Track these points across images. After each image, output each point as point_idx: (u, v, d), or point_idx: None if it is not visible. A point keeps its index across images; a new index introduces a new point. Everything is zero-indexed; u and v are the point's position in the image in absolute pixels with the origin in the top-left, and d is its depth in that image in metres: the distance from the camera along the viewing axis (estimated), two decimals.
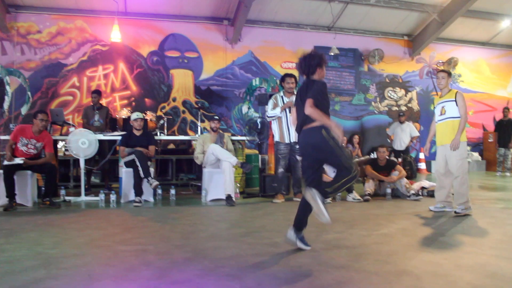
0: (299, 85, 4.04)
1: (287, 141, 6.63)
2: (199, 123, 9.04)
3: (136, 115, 6.84)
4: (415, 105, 13.79)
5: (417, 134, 11.01)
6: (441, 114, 5.56)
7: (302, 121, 3.61)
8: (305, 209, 3.58)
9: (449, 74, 5.62)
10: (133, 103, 10.94)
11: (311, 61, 3.72)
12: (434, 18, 12.48)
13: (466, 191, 5.27)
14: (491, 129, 13.90)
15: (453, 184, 5.46)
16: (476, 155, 13.78)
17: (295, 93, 6.58)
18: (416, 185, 7.17)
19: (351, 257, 3.28)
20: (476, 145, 14.27)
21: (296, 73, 11.87)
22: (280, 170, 6.70)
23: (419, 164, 13.12)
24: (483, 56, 14.81)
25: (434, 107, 5.78)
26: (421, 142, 13.13)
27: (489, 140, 12.68)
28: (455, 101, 5.41)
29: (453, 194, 5.63)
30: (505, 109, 12.13)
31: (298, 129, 3.70)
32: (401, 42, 13.75)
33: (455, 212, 5.28)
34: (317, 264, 3.10)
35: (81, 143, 6.54)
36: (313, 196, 3.35)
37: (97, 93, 8.02)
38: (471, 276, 2.82)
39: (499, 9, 12.67)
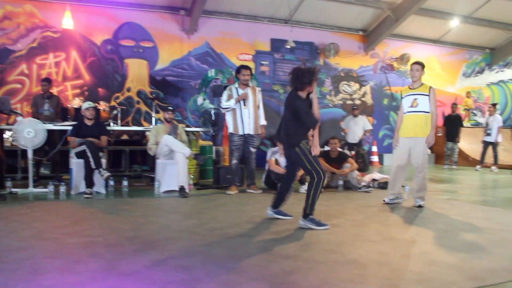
0: (287, 93, 4.58)
1: (240, 132, 6.65)
2: (153, 114, 8.93)
3: (87, 104, 6.68)
4: (368, 99, 14.12)
5: (370, 127, 11.27)
6: (412, 106, 5.46)
7: (286, 129, 4.35)
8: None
9: (423, 66, 5.57)
10: (86, 93, 10.65)
11: (303, 79, 4.24)
12: (388, 15, 12.80)
13: (426, 185, 5.44)
14: (440, 123, 14.43)
15: (415, 177, 5.50)
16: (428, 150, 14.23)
17: (250, 85, 6.65)
18: (367, 177, 7.36)
19: (300, 247, 3.36)
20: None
21: (252, 64, 11.98)
22: (234, 161, 6.73)
23: (372, 157, 13.45)
24: (434, 53, 15.33)
25: (402, 98, 5.67)
26: (374, 135, 13.48)
27: (438, 135, 13.12)
28: (429, 96, 5.39)
29: (403, 186, 5.81)
30: (454, 105, 12.62)
31: (279, 133, 4.49)
32: (356, 37, 14.01)
33: (419, 205, 5.34)
34: (266, 254, 3.15)
35: (26, 133, 6.33)
36: (304, 226, 4.08)
37: (47, 81, 7.78)
38: (414, 264, 2.94)
39: (449, 8, 13.15)
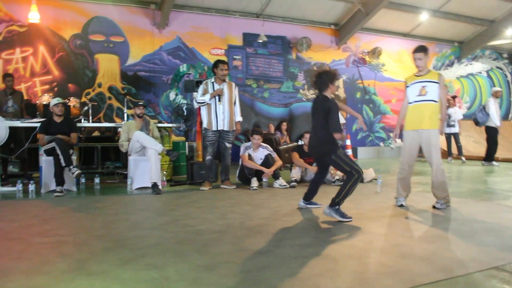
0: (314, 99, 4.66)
1: (214, 128, 6.60)
2: (125, 110, 8.78)
3: (56, 100, 6.54)
4: (341, 93, 14.21)
5: (343, 121, 11.36)
6: (420, 95, 4.86)
7: (322, 136, 4.42)
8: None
9: (426, 52, 4.90)
10: (56, 89, 10.40)
11: (325, 78, 4.45)
12: (359, 9, 12.88)
13: (447, 182, 4.86)
14: None
15: (433, 175, 4.86)
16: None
17: (227, 81, 6.60)
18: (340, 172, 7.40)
19: (273, 243, 3.35)
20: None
21: (224, 59, 11.90)
22: (208, 157, 6.68)
23: (346, 150, 13.56)
24: (404, 46, 15.49)
25: (407, 86, 5.05)
26: (347, 129, 13.59)
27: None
28: (439, 83, 4.82)
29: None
30: None
31: (313, 134, 4.60)
32: (328, 31, 14.08)
33: (435, 207, 4.81)
34: (238, 251, 3.13)
35: None
36: (328, 214, 4.21)
37: (12, 76, 7.56)
38: (384, 257, 2.97)
39: (419, 2, 13.34)
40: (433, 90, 4.82)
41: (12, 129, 6.41)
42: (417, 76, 5.00)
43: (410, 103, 4.99)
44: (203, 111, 6.70)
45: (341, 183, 6.86)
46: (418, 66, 4.97)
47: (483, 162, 10.54)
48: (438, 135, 4.87)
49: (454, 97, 12.50)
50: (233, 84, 6.89)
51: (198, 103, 6.71)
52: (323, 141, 4.40)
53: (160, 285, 2.45)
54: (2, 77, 7.70)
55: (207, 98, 6.56)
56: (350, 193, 4.26)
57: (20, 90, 8.37)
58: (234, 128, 6.78)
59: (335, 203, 4.21)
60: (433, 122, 4.83)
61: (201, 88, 6.71)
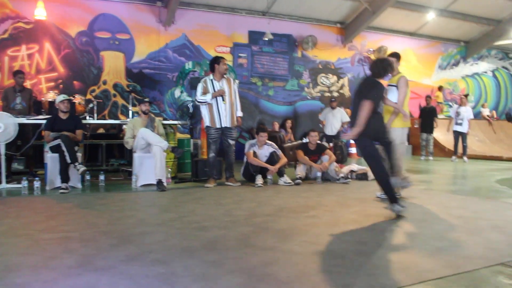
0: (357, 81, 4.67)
1: (218, 125, 6.59)
2: (130, 107, 8.79)
3: (62, 97, 6.55)
4: (346, 91, 14.20)
5: (348, 119, 11.32)
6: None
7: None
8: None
9: (398, 58, 5.33)
10: (61, 86, 10.43)
11: (389, 69, 4.54)
12: (365, 8, 12.86)
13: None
14: (417, 115, 14.60)
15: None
16: (405, 141, 14.38)
17: (225, 76, 6.59)
18: (346, 169, 7.40)
19: (279, 239, 3.35)
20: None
21: (229, 57, 11.90)
22: (211, 154, 6.68)
23: (350, 149, 13.54)
24: (410, 46, 15.49)
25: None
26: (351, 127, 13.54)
27: (415, 126, 13.30)
28: (396, 86, 5.16)
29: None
30: (428, 97, 12.80)
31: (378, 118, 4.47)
32: (334, 30, 14.06)
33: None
34: (244, 247, 3.13)
35: None
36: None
37: (23, 73, 7.58)
38: (391, 253, 2.98)
39: (425, 2, 13.31)
40: (391, 93, 5.15)
41: (20, 126, 6.42)
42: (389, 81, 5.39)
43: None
44: (204, 110, 6.68)
45: (346, 180, 6.91)
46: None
47: None
48: (397, 133, 5.12)
49: (466, 96, 12.43)
50: (231, 79, 6.88)
51: (198, 102, 6.68)
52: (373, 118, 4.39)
53: (168, 280, 2.45)
54: (13, 74, 7.70)
55: (208, 98, 6.54)
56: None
57: (29, 87, 8.36)
58: (236, 124, 6.77)
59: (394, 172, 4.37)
60: (394, 122, 5.19)
61: (200, 86, 6.67)
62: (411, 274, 2.54)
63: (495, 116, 16.25)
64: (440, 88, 15.75)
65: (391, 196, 4.22)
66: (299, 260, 2.83)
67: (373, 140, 4.44)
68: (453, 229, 3.70)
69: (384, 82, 5.18)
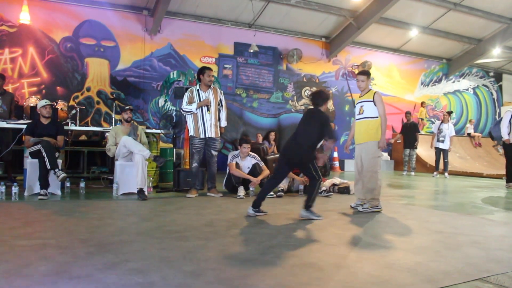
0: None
1: (202, 136, 6.58)
2: (113, 115, 8.74)
3: (44, 101, 6.48)
4: (330, 105, 14.29)
5: None
6: (359, 113, 5.57)
7: (311, 143, 4.84)
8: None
9: (368, 75, 5.63)
10: (44, 91, 10.33)
11: (324, 96, 5.05)
12: (350, 23, 13.04)
13: (373, 188, 5.33)
14: (399, 130, 14.78)
15: (364, 181, 5.45)
16: (385, 155, 14.56)
17: (212, 86, 6.60)
18: (328, 182, 7.41)
19: (258, 251, 3.32)
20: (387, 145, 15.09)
21: (215, 68, 11.92)
22: (194, 164, 6.65)
23: (333, 162, 13.61)
24: (394, 61, 15.71)
25: (354, 106, 5.81)
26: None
27: (398, 141, 13.45)
28: (373, 101, 5.43)
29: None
30: (407, 113, 12.99)
31: (294, 141, 4.90)
32: (319, 44, 14.20)
33: (356, 208, 5.46)
34: (224, 258, 3.10)
35: None
36: (305, 216, 4.75)
37: (1, 77, 7.47)
38: (371, 267, 2.96)
39: (409, 19, 13.55)
40: (368, 108, 5.47)
41: (1, 130, 6.32)
42: (360, 97, 5.71)
43: (356, 120, 5.70)
44: (189, 119, 6.67)
45: (328, 193, 6.93)
46: (360, 87, 5.65)
47: (506, 184, 9.05)
48: (374, 146, 5.40)
49: (449, 113, 12.60)
50: (218, 90, 6.89)
51: (184, 111, 6.68)
52: (310, 148, 4.84)
53: None
54: None
55: (193, 107, 6.53)
56: (317, 195, 4.84)
57: (11, 92, 8.24)
58: (219, 135, 6.77)
59: (309, 206, 4.75)
60: (369, 136, 5.42)
61: (186, 96, 6.68)
62: None
63: (479, 139, 16.23)
64: (423, 104, 15.95)
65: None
66: (278, 272, 2.82)
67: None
68: (432, 244, 3.72)
69: (355, 95, 5.59)
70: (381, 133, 5.41)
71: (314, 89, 5.51)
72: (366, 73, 5.70)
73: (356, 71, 14.59)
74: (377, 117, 5.41)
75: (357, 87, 5.70)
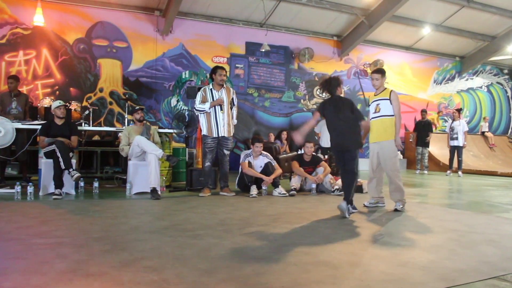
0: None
1: (214, 135, 6.61)
2: (126, 115, 8.79)
3: (58, 102, 6.56)
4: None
5: None
6: (375, 112, 5.55)
7: (355, 130, 4.98)
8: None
9: (383, 73, 5.62)
10: (57, 92, 10.43)
11: (334, 82, 5.04)
12: (362, 21, 12.97)
13: (401, 187, 5.36)
14: (412, 129, 14.67)
15: (389, 181, 5.45)
16: (398, 153, 14.43)
17: (225, 86, 6.62)
18: (340, 181, 7.37)
19: (272, 249, 3.32)
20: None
21: (226, 67, 11.94)
22: (207, 164, 6.67)
23: None
24: (406, 60, 15.60)
25: (369, 105, 5.77)
26: None
27: (410, 140, 13.35)
28: (389, 100, 5.43)
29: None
30: (423, 111, 12.86)
31: (337, 133, 4.98)
32: (330, 42, 14.15)
33: (396, 209, 5.32)
34: (238, 256, 3.11)
35: None
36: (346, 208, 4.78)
37: (14, 78, 7.57)
38: (385, 265, 2.95)
39: (421, 16, 13.44)
40: (385, 106, 5.46)
41: (16, 131, 6.40)
42: (375, 95, 5.68)
43: (370, 119, 5.66)
44: (202, 119, 6.71)
45: (341, 192, 6.89)
46: (374, 85, 5.64)
47: None
48: (391, 145, 5.42)
49: (459, 110, 12.46)
50: (231, 89, 6.91)
51: (197, 110, 6.72)
52: (357, 133, 5.00)
53: None
54: (6, 79, 7.70)
55: (206, 107, 6.57)
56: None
57: (25, 93, 8.33)
58: (232, 134, 6.79)
59: (350, 201, 4.85)
60: (387, 135, 5.43)
61: (199, 95, 6.71)
62: (404, 286, 2.53)
63: (492, 140, 16.01)
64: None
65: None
66: (292, 270, 2.81)
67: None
68: (447, 242, 3.69)
69: (367, 94, 5.59)
70: (395, 132, 5.41)
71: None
72: (380, 71, 5.68)
73: (368, 70, 14.54)
74: (393, 115, 5.43)
75: (372, 85, 5.71)
